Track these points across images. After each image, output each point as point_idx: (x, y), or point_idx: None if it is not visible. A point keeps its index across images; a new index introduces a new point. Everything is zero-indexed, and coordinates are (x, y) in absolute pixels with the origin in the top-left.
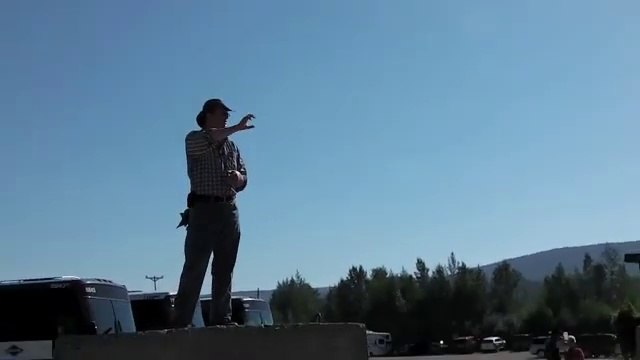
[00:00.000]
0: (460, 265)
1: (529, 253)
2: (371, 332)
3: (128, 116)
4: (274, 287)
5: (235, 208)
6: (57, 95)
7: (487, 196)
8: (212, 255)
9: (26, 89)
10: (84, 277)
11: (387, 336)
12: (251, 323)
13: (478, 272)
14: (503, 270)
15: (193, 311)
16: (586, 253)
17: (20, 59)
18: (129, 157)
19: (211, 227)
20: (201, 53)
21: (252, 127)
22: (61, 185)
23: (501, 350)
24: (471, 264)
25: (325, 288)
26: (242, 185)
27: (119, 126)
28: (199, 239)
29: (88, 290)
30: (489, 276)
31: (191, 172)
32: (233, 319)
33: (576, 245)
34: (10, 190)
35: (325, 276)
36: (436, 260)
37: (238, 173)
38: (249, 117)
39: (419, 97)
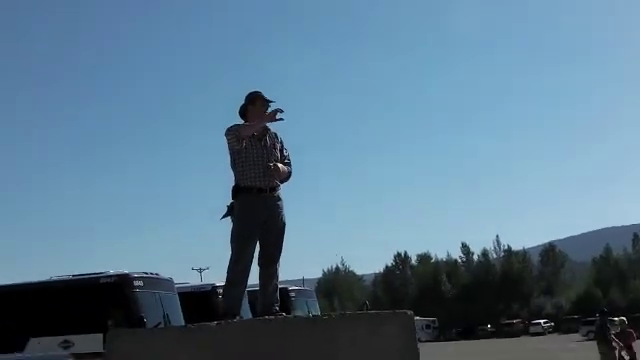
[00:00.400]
0: (505, 248)
1: (575, 234)
2: (418, 318)
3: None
4: (319, 275)
5: (279, 199)
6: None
7: (531, 177)
8: (258, 246)
9: (26, 89)
10: (132, 271)
11: (434, 321)
12: (298, 312)
13: (524, 254)
14: (549, 252)
15: (241, 302)
16: (634, 232)
17: (20, 59)
18: (174, 153)
19: (255, 218)
20: (202, 52)
21: (281, 120)
22: (109, 182)
23: (550, 333)
24: (517, 246)
25: (370, 274)
26: (286, 176)
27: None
28: (243, 231)
29: (136, 283)
30: (535, 258)
31: (234, 165)
32: (280, 309)
33: (624, 224)
34: (57, 189)
35: (370, 262)
36: (481, 244)
37: (281, 165)
38: (278, 111)
39: (466, 75)
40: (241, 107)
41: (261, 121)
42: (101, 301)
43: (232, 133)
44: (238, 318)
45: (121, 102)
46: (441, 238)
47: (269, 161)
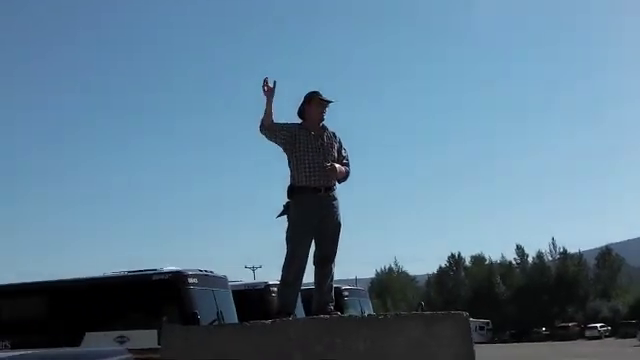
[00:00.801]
0: (561, 250)
1: (632, 237)
2: (471, 319)
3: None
4: (372, 275)
5: (335, 199)
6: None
7: (587, 178)
8: (314, 246)
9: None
10: (186, 268)
11: (487, 323)
12: (350, 311)
13: (579, 257)
14: (606, 255)
15: (295, 301)
16: None
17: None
18: (229, 149)
19: (309, 218)
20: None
21: (273, 87)
22: (163, 182)
23: (606, 337)
24: (572, 249)
25: (423, 275)
26: (344, 176)
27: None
28: (298, 230)
29: (190, 281)
30: (591, 261)
31: (289, 164)
32: (334, 308)
33: None
34: (108, 183)
35: (423, 263)
36: (536, 246)
37: (338, 165)
38: (265, 82)
39: (513, 73)
40: (299, 107)
41: (267, 101)
42: (155, 298)
43: (262, 130)
44: (292, 317)
45: (183, 92)
46: (495, 240)
47: (325, 160)
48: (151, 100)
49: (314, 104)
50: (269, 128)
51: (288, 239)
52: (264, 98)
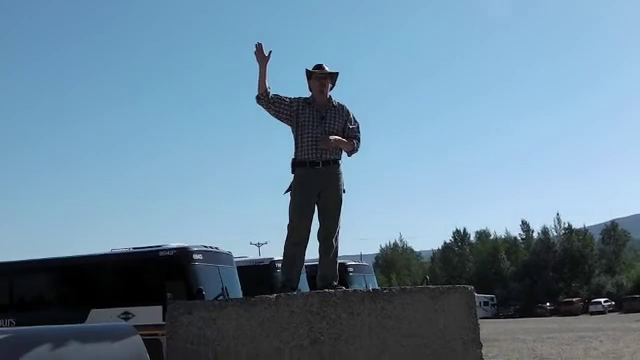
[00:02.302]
0: (566, 226)
1: (638, 212)
2: (476, 295)
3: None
4: (377, 251)
5: (337, 173)
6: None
7: (592, 154)
8: (318, 222)
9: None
10: (191, 244)
11: (492, 298)
12: (355, 287)
13: (585, 232)
14: (611, 230)
15: (298, 276)
16: None
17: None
18: (233, 125)
19: (308, 192)
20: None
21: (268, 56)
22: (169, 157)
23: (610, 312)
24: (577, 224)
25: (428, 251)
26: (351, 149)
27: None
28: (297, 204)
29: (195, 257)
30: (596, 236)
31: (293, 139)
32: (338, 284)
33: None
34: (118, 163)
35: (428, 239)
36: (541, 221)
37: (336, 137)
38: (259, 48)
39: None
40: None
41: (260, 67)
42: (160, 274)
43: (257, 101)
44: (297, 292)
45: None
46: (500, 215)
47: (326, 135)
48: (162, 79)
49: (314, 78)
50: (262, 97)
51: (289, 214)
52: (257, 65)
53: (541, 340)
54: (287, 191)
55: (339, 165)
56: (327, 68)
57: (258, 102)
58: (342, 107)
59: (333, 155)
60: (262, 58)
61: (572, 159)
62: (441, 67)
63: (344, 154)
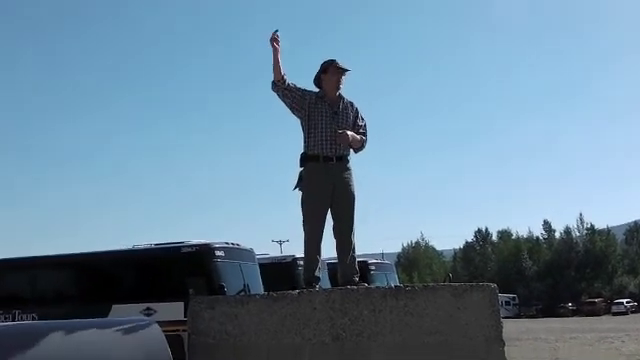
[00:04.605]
0: (589, 226)
1: None
2: (498, 294)
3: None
4: (398, 249)
5: (348, 169)
6: None
7: (615, 153)
8: (332, 218)
9: None
10: (213, 241)
11: (514, 298)
12: (377, 285)
13: (607, 233)
14: (634, 230)
15: (315, 272)
16: None
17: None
18: (255, 121)
19: (321, 187)
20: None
21: (276, 39)
22: (192, 156)
23: (633, 312)
24: (600, 225)
25: (450, 250)
26: (359, 146)
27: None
28: (310, 199)
29: (217, 253)
30: (619, 237)
31: (303, 132)
32: (359, 281)
33: None
34: (137, 160)
35: (450, 238)
36: (563, 221)
37: (351, 133)
38: (274, 36)
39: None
40: (315, 75)
41: (274, 53)
42: (182, 270)
43: (273, 87)
44: (319, 287)
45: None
46: (523, 215)
47: (339, 129)
48: (180, 74)
49: (331, 72)
50: (279, 83)
51: (302, 209)
52: (271, 50)
53: (563, 340)
54: (297, 186)
55: (348, 161)
56: (342, 64)
57: (274, 89)
58: (351, 104)
59: (345, 151)
60: (277, 45)
61: (596, 159)
62: (457, 60)
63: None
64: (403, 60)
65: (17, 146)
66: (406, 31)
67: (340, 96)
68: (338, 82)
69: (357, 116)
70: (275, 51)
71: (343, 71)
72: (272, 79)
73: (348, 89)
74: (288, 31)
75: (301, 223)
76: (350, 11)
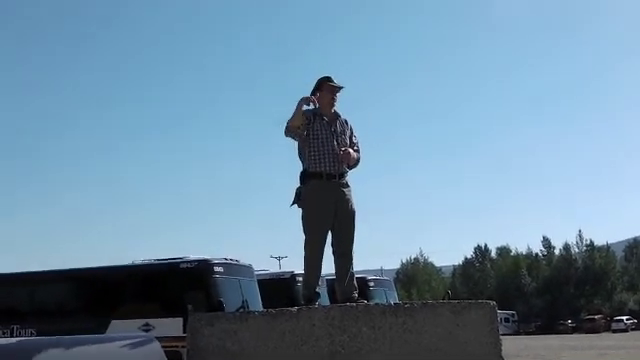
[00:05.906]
0: (588, 242)
1: None
2: (497, 311)
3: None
4: (397, 265)
5: (347, 185)
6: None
7: (614, 170)
8: (331, 235)
9: None
10: (212, 257)
11: (513, 314)
12: (376, 301)
13: (607, 249)
14: (634, 247)
15: (315, 288)
16: None
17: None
18: (255, 138)
19: (324, 204)
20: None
21: (313, 106)
22: (189, 169)
23: (633, 330)
24: (599, 241)
25: (449, 266)
26: (354, 163)
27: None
28: (312, 217)
29: (216, 269)
30: (619, 253)
31: (302, 151)
32: (358, 297)
33: None
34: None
35: (449, 254)
36: (562, 238)
37: (351, 150)
38: (311, 100)
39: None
40: (311, 93)
41: (299, 107)
42: (181, 286)
43: (289, 132)
44: (318, 304)
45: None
46: (522, 231)
47: (339, 146)
48: (178, 83)
49: (325, 90)
50: (292, 130)
51: (303, 226)
52: (299, 103)
53: (562, 357)
54: (294, 203)
55: (347, 177)
56: (336, 81)
57: (287, 133)
58: (346, 121)
59: (345, 168)
60: (307, 103)
61: (594, 175)
62: (459, 69)
63: None
64: (403, 60)
65: (15, 152)
66: (406, 31)
67: (336, 113)
68: (333, 100)
69: (352, 133)
70: (302, 105)
71: (337, 89)
72: (287, 125)
73: (348, 89)
74: (288, 31)
75: (300, 239)
76: (350, 11)
